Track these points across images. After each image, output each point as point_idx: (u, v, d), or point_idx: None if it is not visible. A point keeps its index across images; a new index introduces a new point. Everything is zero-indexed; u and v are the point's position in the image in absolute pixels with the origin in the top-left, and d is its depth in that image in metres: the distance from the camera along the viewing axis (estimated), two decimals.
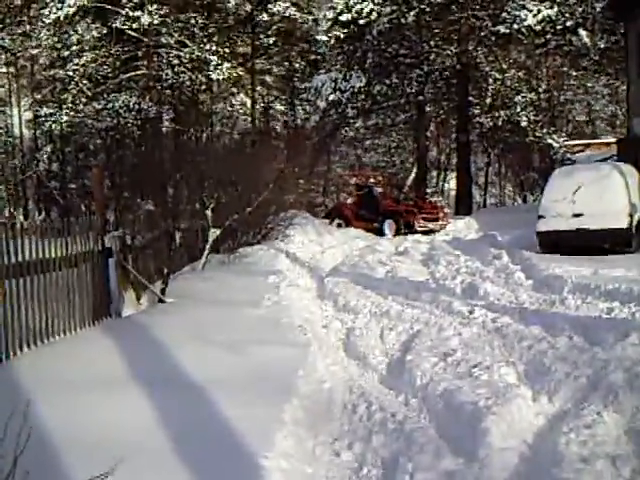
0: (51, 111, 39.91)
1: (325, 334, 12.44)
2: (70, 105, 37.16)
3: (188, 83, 38.16)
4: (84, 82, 37.14)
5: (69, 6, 37.04)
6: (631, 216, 19.42)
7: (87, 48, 38.60)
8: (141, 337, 10.47)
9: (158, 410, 7.35)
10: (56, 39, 40.00)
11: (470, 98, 41.86)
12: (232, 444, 6.63)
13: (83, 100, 37.28)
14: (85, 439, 6.50)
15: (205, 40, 38.68)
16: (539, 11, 37.15)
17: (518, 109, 39.44)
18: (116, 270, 12.44)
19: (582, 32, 39.13)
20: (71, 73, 37.58)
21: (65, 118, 37.61)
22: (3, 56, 48.97)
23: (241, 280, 15.77)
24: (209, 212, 17.66)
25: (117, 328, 11.25)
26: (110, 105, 37.89)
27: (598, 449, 6.51)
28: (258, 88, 46.55)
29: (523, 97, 40.36)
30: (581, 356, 8.95)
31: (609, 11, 33.08)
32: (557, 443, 6.70)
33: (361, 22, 39.97)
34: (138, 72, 38.41)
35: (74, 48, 38.85)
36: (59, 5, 37.40)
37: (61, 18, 37.38)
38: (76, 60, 37.95)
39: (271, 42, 44.94)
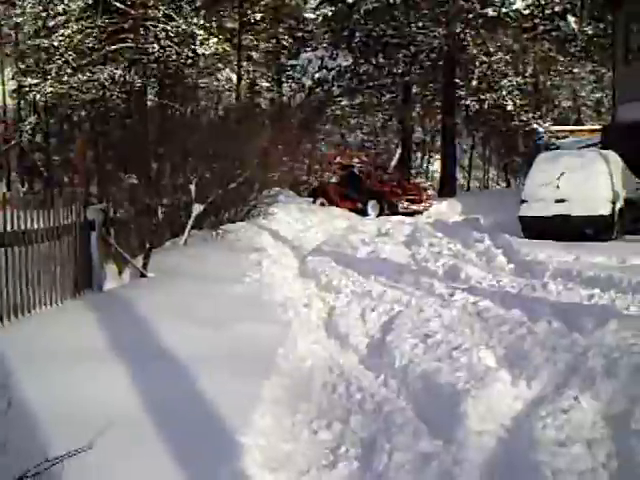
0: (35, 81, 39.63)
1: (306, 313, 12.42)
2: (55, 76, 36.90)
3: (174, 57, 37.92)
4: (69, 53, 36.87)
5: None
6: (614, 203, 19.49)
7: (73, 19, 38.27)
8: (122, 311, 10.46)
9: (138, 385, 7.35)
10: (41, 8, 39.69)
11: (456, 80, 41.84)
12: (211, 420, 6.64)
13: (68, 71, 37.01)
14: (65, 411, 6.49)
15: (192, 14, 38.49)
16: None
17: (504, 93, 39.52)
18: (98, 243, 12.40)
19: (570, 18, 39.14)
20: (56, 43, 37.28)
21: (49, 89, 37.35)
22: None
23: (223, 256, 15.74)
24: (192, 187, 17.60)
25: (98, 301, 11.22)
26: (95, 77, 37.62)
27: (574, 433, 6.58)
28: (244, 64, 46.32)
29: (509, 81, 40.44)
30: (560, 341, 8.99)
31: None
32: (534, 427, 6.76)
33: (349, 1, 39.85)
34: (124, 44, 38.14)
35: (59, 18, 38.52)
36: None
37: None
38: (61, 30, 37.62)
39: (258, 18, 44.73)
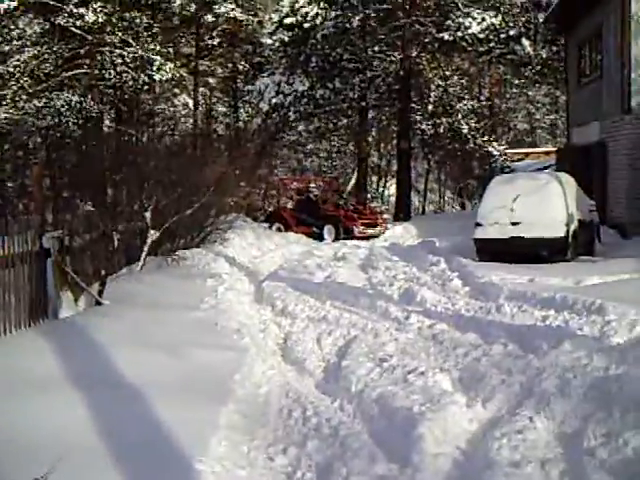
0: None
1: (262, 338, 12.43)
2: (10, 102, 36.65)
3: (131, 83, 37.80)
4: (25, 79, 36.63)
5: (11, 0, 36.58)
6: (568, 225, 19.63)
7: (29, 44, 38.10)
8: (78, 339, 10.40)
9: (94, 412, 7.32)
10: None
11: (412, 104, 42.08)
12: (167, 447, 6.63)
13: (24, 97, 36.75)
14: (20, 440, 6.46)
15: (149, 40, 38.42)
16: (483, 19, 37.48)
17: (459, 116, 39.77)
18: (54, 271, 12.32)
19: (525, 41, 39.53)
20: (11, 69, 37.05)
21: (4, 115, 37.09)
22: None
23: (179, 283, 15.70)
24: (148, 214, 17.56)
25: (54, 330, 11.15)
26: (51, 103, 37.42)
27: (529, 453, 6.66)
28: (201, 89, 46.33)
29: (465, 105, 40.73)
30: (515, 363, 9.08)
31: (551, 22, 33.55)
32: (489, 448, 6.82)
33: (306, 26, 40.03)
34: (81, 70, 37.98)
35: (15, 43, 38.32)
36: None
37: (1, 12, 36.88)
38: (17, 56, 37.42)
39: (215, 43, 44.80)
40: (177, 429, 6.93)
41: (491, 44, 39.63)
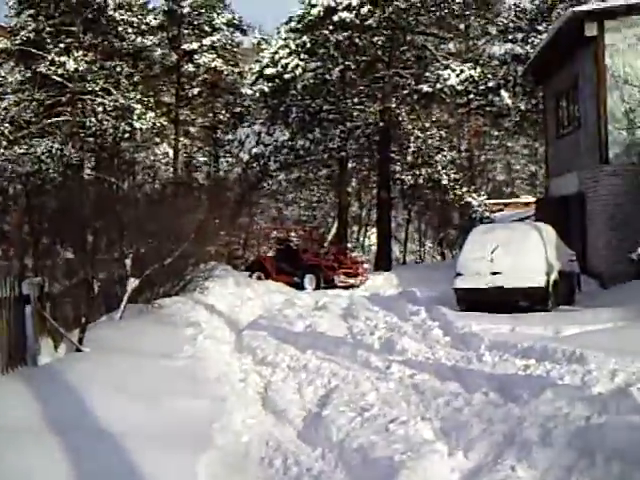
0: None
1: (243, 387, 12.36)
2: None
3: (111, 131, 37.95)
4: (6, 125, 36.69)
5: None
6: (548, 275, 19.69)
7: (10, 91, 38.23)
8: (56, 385, 10.30)
9: (72, 460, 7.24)
10: None
11: (392, 155, 42.32)
12: None
13: (4, 143, 36.79)
14: None
15: (130, 88, 38.60)
16: (462, 71, 37.78)
17: (439, 167, 39.93)
18: (33, 318, 12.24)
19: (504, 93, 39.86)
20: None
21: None
22: None
23: (158, 331, 15.60)
24: (128, 261, 17.51)
25: (32, 376, 11.03)
26: (32, 150, 37.47)
27: None
28: (181, 138, 46.46)
29: (444, 156, 40.92)
30: (497, 412, 9.06)
31: (529, 75, 33.92)
32: None
33: (286, 76, 40.22)
34: (61, 118, 38.12)
35: None
36: None
37: None
38: None
39: (196, 93, 45.06)
40: (157, 478, 6.86)
41: (470, 96, 39.99)
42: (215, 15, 45.04)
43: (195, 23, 44.39)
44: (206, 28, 44.48)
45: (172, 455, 7.55)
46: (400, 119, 41.01)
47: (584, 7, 25.31)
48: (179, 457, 7.53)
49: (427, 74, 39.42)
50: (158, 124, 38.56)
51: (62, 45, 36.86)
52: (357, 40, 39.25)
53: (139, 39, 39.68)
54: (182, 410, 9.45)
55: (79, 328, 13.55)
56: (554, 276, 20.04)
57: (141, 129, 38.18)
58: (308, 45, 40.25)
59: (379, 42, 39.52)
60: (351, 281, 33.18)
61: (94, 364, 11.82)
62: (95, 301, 15.66)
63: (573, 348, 12.09)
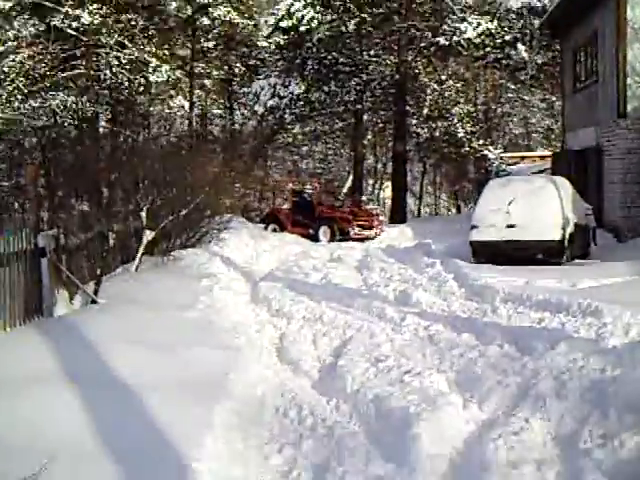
0: None
1: (258, 338, 12.39)
2: (5, 102, 36.59)
3: (126, 84, 37.79)
4: (20, 79, 36.57)
5: (5, 0, 36.54)
6: (564, 229, 19.63)
7: (24, 44, 38.04)
8: (72, 337, 10.35)
9: (88, 411, 7.29)
10: None
11: (408, 108, 42.14)
12: (162, 446, 6.61)
13: (19, 97, 36.71)
14: (16, 437, 6.44)
15: (145, 42, 38.40)
16: (479, 24, 37.53)
17: (455, 120, 39.78)
18: (49, 270, 12.30)
19: (520, 47, 39.58)
20: (7, 69, 37.00)
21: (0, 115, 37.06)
22: None
23: (174, 283, 15.65)
24: (143, 214, 17.54)
25: (48, 328, 11.10)
26: (47, 103, 37.38)
27: (525, 454, 6.64)
28: (196, 91, 46.27)
29: (460, 109, 40.72)
30: (511, 365, 9.07)
31: (546, 28, 33.58)
32: (486, 449, 6.79)
33: (302, 29, 40.01)
34: (76, 71, 37.97)
35: (10, 44, 38.24)
36: None
37: None
38: (12, 56, 37.36)
39: (211, 46, 44.80)
40: (172, 428, 6.91)
41: (487, 49, 39.69)
42: None
43: None
44: None
45: (188, 405, 7.60)
46: (416, 72, 40.91)
47: None
48: (195, 407, 7.57)
49: (444, 27, 39.17)
50: (173, 77, 38.39)
51: None
52: None
53: None
54: (198, 361, 9.49)
55: (95, 280, 13.61)
56: (570, 229, 19.98)
57: (156, 82, 38.01)
58: None
59: None
60: (366, 233, 33.18)
61: (109, 315, 11.89)
62: (110, 253, 15.73)
63: (588, 301, 12.07)
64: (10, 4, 36.40)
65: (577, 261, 20.12)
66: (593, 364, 8.47)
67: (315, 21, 39.92)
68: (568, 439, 6.84)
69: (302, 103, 44.00)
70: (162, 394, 7.85)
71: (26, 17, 39.10)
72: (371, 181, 56.18)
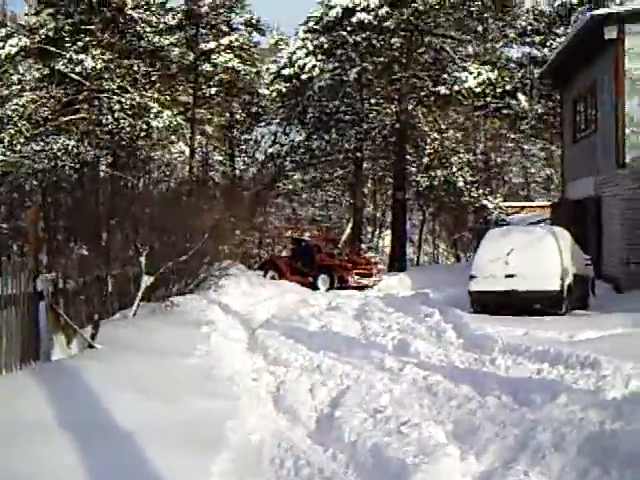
0: None
1: (255, 387, 12.36)
2: (7, 144, 36.75)
3: (128, 129, 37.97)
4: (23, 122, 36.76)
5: (11, 46, 36.81)
6: (562, 279, 19.66)
7: (28, 88, 38.28)
8: (70, 382, 10.30)
9: (85, 459, 7.24)
10: None
11: (407, 157, 42.33)
12: None
13: (21, 140, 36.88)
14: None
15: (147, 87, 38.66)
16: (479, 74, 37.79)
17: (454, 169, 39.88)
18: (47, 314, 12.26)
19: (521, 96, 39.86)
20: (10, 112, 37.21)
21: (1, 157, 37.15)
22: None
23: (172, 329, 15.61)
24: (142, 259, 17.53)
25: (45, 373, 11.04)
26: (48, 147, 37.53)
27: None
28: (198, 137, 46.52)
29: (460, 158, 40.86)
30: (510, 416, 9.02)
31: (547, 78, 33.84)
32: None
33: (303, 77, 40.30)
34: (78, 115, 38.18)
35: (14, 87, 38.52)
36: (1, 44, 37.19)
37: (2, 57, 37.12)
38: (16, 100, 37.59)
39: (213, 92, 45.02)
40: (170, 476, 6.86)
41: (487, 98, 39.92)
42: (233, 15, 45.08)
43: (213, 23, 44.36)
44: (224, 28, 44.50)
45: (186, 453, 7.55)
46: (417, 121, 41.08)
47: (604, 10, 25.23)
48: (193, 456, 7.52)
49: (444, 76, 39.45)
50: (175, 123, 38.57)
51: (80, 43, 36.93)
52: (375, 41, 39.28)
53: (157, 38, 39.62)
54: (196, 409, 9.45)
55: (92, 325, 13.57)
56: (569, 280, 20.00)
57: (157, 127, 38.18)
58: (326, 46, 40.34)
59: (397, 44, 39.57)
60: (365, 282, 33.20)
61: (107, 361, 11.83)
62: (109, 298, 15.69)
63: (587, 353, 12.03)
64: (16, 49, 36.68)
65: (576, 312, 20.12)
66: (592, 417, 8.43)
67: (316, 69, 40.24)
68: None
69: (302, 151, 44.22)
70: (159, 442, 7.80)
71: (30, 61, 39.41)
72: (370, 229, 56.28)
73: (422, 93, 40.79)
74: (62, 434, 7.92)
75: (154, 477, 6.90)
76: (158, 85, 40.45)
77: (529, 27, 42.73)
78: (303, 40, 40.85)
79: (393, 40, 39.33)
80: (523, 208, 43.75)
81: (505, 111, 41.93)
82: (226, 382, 11.56)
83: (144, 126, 37.84)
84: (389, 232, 48.01)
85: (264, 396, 11.88)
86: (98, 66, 36.08)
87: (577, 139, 29.47)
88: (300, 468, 8.20)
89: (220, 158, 51.46)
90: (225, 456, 7.94)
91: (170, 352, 13.07)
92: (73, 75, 36.84)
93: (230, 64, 42.65)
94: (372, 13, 37.89)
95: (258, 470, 8.18)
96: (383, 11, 37.81)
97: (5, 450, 7.33)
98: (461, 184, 39.65)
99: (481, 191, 40.20)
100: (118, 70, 37.63)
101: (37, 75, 38.64)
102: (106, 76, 37.04)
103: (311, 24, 40.76)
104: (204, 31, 44.64)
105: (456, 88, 38.34)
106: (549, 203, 39.01)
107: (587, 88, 27.59)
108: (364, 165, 45.67)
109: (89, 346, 13.04)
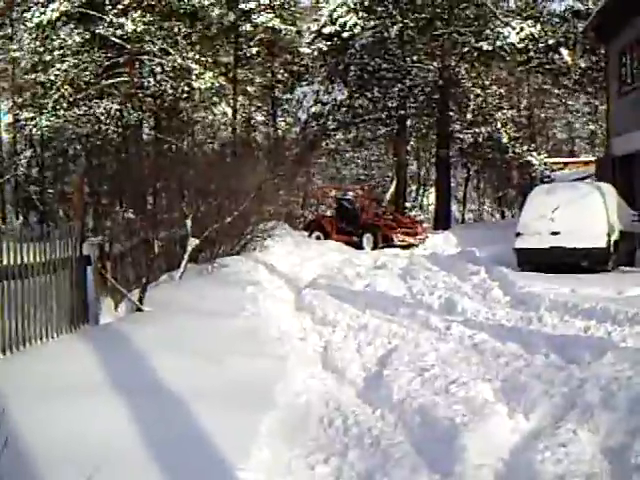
0: (31, 115, 39.76)
1: (302, 347, 12.40)
2: (51, 110, 36.95)
3: (170, 91, 38.07)
4: (65, 87, 36.93)
5: (52, 10, 36.95)
6: (609, 235, 19.51)
7: (69, 53, 38.39)
8: (118, 345, 10.41)
9: (135, 419, 7.31)
10: (38, 43, 39.70)
11: (451, 114, 42.06)
12: (208, 455, 6.61)
13: (64, 105, 37.08)
14: (61, 448, 6.45)
15: (188, 49, 38.64)
16: (522, 29, 37.37)
17: (498, 126, 39.62)
18: (94, 278, 12.39)
19: (564, 51, 39.41)
20: (53, 78, 37.40)
21: (45, 123, 37.37)
22: None
23: (219, 290, 15.66)
24: (188, 221, 17.60)
25: (94, 335, 11.17)
26: (91, 111, 37.75)
27: (573, 467, 6.53)
28: (240, 98, 46.45)
29: (504, 114, 40.58)
30: (557, 374, 8.98)
31: (591, 32, 33.34)
32: (532, 461, 6.71)
33: (344, 35, 40.07)
34: (120, 79, 38.30)
35: (56, 53, 38.62)
36: (42, 9, 37.34)
37: (44, 22, 37.26)
38: (58, 65, 37.73)
39: (254, 52, 44.91)
40: (218, 436, 6.90)
41: (530, 53, 39.55)
42: None
43: None
44: None
45: (234, 414, 7.58)
46: (459, 77, 40.76)
47: None
48: (241, 416, 7.55)
49: (487, 31, 39.04)
50: (216, 84, 38.57)
51: (120, 6, 36.98)
52: None
53: None
54: (243, 369, 9.48)
55: (139, 288, 13.67)
56: (615, 236, 19.84)
57: (199, 89, 38.21)
58: (367, 3, 40.06)
59: None
60: (410, 240, 33.13)
61: (154, 323, 11.93)
62: (155, 261, 15.77)
63: (635, 310, 11.96)
64: (57, 14, 36.78)
65: (623, 268, 19.95)
66: None
67: (358, 27, 39.98)
68: (618, 453, 6.72)
69: (345, 109, 44.08)
70: (208, 403, 7.85)
71: (72, 26, 39.50)
72: (414, 187, 56.10)
73: (464, 49, 40.46)
74: (110, 395, 8.00)
75: (203, 437, 6.96)
76: (199, 46, 40.40)
77: None
78: None
79: None
80: (567, 164, 43.37)
81: (548, 66, 41.53)
82: (274, 342, 11.59)
83: (186, 88, 37.92)
84: (433, 190, 47.86)
85: (312, 356, 11.93)
86: (138, 29, 36.13)
87: (624, 93, 29.01)
88: (348, 427, 8.23)
89: (262, 118, 51.41)
90: (273, 416, 7.98)
91: (217, 313, 13.12)
92: (114, 38, 36.92)
93: (270, 24, 42.45)
94: None
95: (306, 430, 8.21)
96: None
97: (54, 411, 7.42)
98: (505, 140, 39.42)
99: (525, 147, 39.95)
100: (159, 32, 37.67)
101: (78, 40, 38.73)
102: (147, 39, 37.10)
103: None
104: None
105: (499, 44, 38.01)
106: (594, 159, 38.60)
107: (635, 39, 27.12)
108: (407, 123, 45.40)
109: (137, 309, 13.16)
